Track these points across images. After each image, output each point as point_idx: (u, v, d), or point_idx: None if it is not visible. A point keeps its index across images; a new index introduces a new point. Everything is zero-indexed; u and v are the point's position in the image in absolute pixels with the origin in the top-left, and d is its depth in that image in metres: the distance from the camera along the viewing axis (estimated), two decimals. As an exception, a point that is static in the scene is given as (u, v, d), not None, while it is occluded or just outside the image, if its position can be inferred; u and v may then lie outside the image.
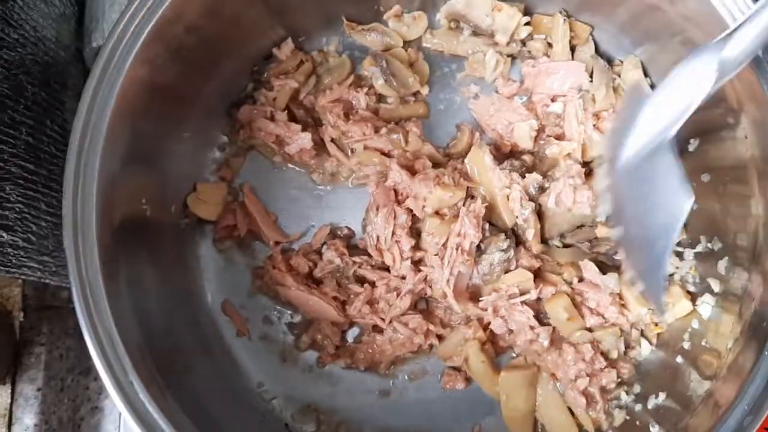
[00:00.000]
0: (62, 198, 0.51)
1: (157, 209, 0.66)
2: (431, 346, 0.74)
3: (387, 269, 0.73)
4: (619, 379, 0.68)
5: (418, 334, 0.72)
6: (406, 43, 0.79)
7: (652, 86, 0.72)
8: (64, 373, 0.79)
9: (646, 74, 0.73)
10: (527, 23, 0.76)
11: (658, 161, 0.49)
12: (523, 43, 0.77)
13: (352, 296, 0.73)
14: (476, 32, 0.78)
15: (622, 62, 0.74)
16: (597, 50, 0.77)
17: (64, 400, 0.79)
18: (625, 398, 0.67)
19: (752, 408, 0.48)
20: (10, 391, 0.74)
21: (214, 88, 0.73)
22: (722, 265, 0.63)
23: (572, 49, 0.77)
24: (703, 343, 0.61)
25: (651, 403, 0.62)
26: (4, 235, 0.62)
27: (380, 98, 0.79)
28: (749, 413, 0.48)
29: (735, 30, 0.44)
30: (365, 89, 0.77)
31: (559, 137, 0.75)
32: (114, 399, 0.51)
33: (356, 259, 0.74)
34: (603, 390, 0.67)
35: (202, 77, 0.69)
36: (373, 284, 0.73)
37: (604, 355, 0.68)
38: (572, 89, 0.74)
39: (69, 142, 0.53)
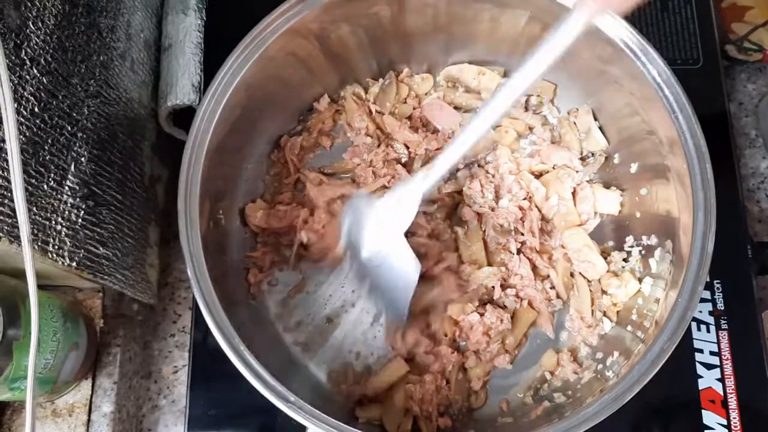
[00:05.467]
0: (177, 195, 0.71)
1: (228, 219, 0.85)
2: None
3: None
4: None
5: None
6: (417, 96, 0.98)
7: (601, 128, 0.90)
8: (131, 374, 0.88)
9: (595, 118, 0.91)
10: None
11: (395, 248, 0.67)
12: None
13: None
14: (467, 90, 0.97)
15: (578, 110, 0.92)
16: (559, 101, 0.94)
17: (130, 396, 0.89)
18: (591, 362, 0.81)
19: (667, 342, 0.66)
20: (91, 384, 0.82)
21: (271, 130, 0.93)
22: (657, 253, 0.80)
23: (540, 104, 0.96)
24: (645, 312, 0.77)
25: (608, 361, 0.78)
26: (101, 248, 0.73)
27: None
28: (667, 342, 0.66)
29: None
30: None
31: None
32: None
33: None
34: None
35: (263, 123, 0.90)
36: None
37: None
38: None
39: (180, 167, 0.72)
